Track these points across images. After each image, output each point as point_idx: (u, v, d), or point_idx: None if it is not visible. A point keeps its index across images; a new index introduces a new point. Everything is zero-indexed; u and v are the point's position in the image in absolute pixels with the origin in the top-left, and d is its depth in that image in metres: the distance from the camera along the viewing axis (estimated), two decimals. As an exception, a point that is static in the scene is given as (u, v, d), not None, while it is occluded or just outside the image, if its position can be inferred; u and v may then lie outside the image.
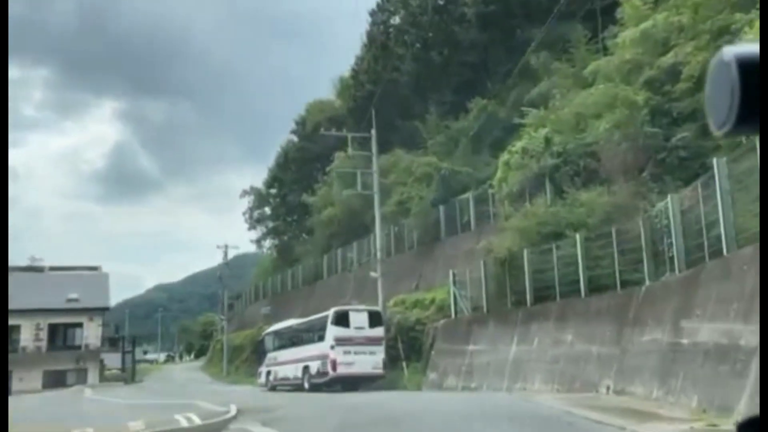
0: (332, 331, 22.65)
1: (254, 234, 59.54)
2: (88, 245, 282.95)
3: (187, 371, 59.50)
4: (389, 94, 37.00)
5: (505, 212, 20.72)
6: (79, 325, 46.27)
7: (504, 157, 22.33)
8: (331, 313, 23.08)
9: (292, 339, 27.03)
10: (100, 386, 41.43)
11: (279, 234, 60.39)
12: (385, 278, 26.29)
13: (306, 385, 23.98)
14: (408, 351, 24.05)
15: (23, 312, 44.22)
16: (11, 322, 43.63)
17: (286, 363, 26.44)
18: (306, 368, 24.10)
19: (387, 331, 24.24)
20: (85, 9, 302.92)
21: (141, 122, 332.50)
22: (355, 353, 22.57)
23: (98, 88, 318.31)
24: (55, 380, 44.20)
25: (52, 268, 52.99)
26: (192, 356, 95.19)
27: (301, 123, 56.89)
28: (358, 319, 22.98)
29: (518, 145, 21.25)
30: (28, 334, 44.58)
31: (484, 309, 20.67)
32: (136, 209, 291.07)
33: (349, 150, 33.82)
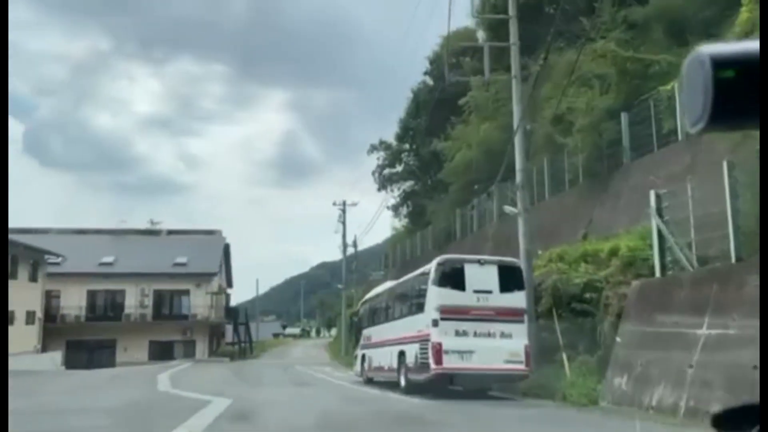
0: (435, 297, 13.51)
1: (388, 198, 51.74)
2: (264, 227, 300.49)
3: (312, 348, 53.80)
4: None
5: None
6: (186, 292, 41.40)
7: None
8: (433, 265, 13.85)
9: (387, 309, 18.20)
10: (197, 363, 35.88)
11: (411, 196, 52.15)
12: (534, 227, 16.53)
13: (402, 382, 15.08)
14: (570, 335, 14.19)
15: (128, 275, 40.16)
16: (118, 286, 39.70)
17: (380, 345, 17.75)
18: (402, 355, 15.19)
19: (534, 300, 14.63)
20: (256, 7, 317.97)
21: (307, 110, 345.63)
22: (476, 335, 13.27)
23: (268, 79, 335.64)
24: (161, 352, 39.78)
25: (170, 232, 49.16)
26: (331, 331, 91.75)
27: (435, 60, 47.67)
28: (481, 277, 13.55)
29: None
30: (132, 300, 40.45)
31: (732, 257, 10.30)
32: (304, 192, 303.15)
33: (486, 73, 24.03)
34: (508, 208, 16.74)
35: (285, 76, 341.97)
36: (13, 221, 45.61)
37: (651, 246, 13.10)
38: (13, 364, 29.00)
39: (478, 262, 13.87)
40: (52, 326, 38.47)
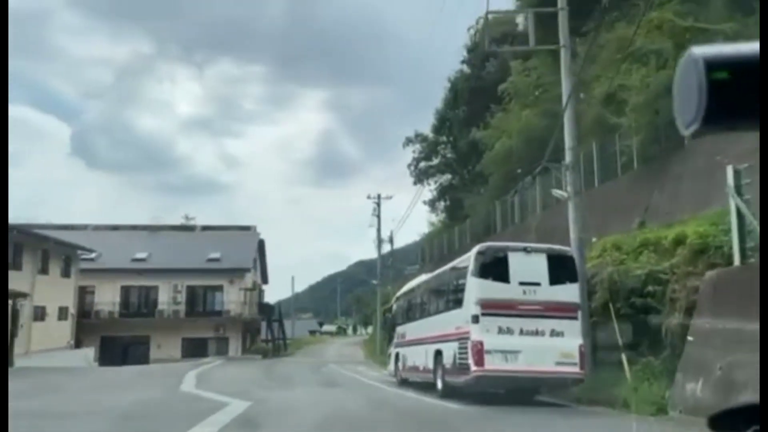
0: (475, 290, 11.99)
1: (426, 194, 50.32)
2: (302, 225, 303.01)
3: (347, 346, 52.68)
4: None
5: None
6: (219, 288, 40.68)
7: None
8: (473, 254, 12.33)
9: (422, 304, 16.73)
10: (229, 360, 35.06)
11: (448, 190, 50.60)
12: (583, 215, 14.82)
13: (438, 385, 13.63)
14: (632, 333, 12.54)
15: (160, 272, 39.65)
16: (151, 282, 39.25)
17: (415, 343, 16.32)
18: (438, 355, 13.73)
19: (588, 294, 13.02)
20: (293, 8, 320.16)
21: (344, 109, 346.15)
22: (523, 333, 11.72)
23: (305, 79, 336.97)
24: (194, 349, 39.16)
25: (205, 228, 48.67)
26: (368, 329, 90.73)
27: (473, 48, 45.93)
28: (527, 267, 11.98)
29: None
30: (165, 297, 39.93)
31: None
32: (342, 191, 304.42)
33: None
34: (557, 192, 15.08)
35: (322, 76, 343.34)
36: (62, 222, 45.86)
37: (726, 231, 11.36)
38: (43, 360, 28.60)
39: (524, 250, 12.28)
40: (87, 322, 38.21)
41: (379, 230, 39.38)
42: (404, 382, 17.76)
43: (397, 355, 18.69)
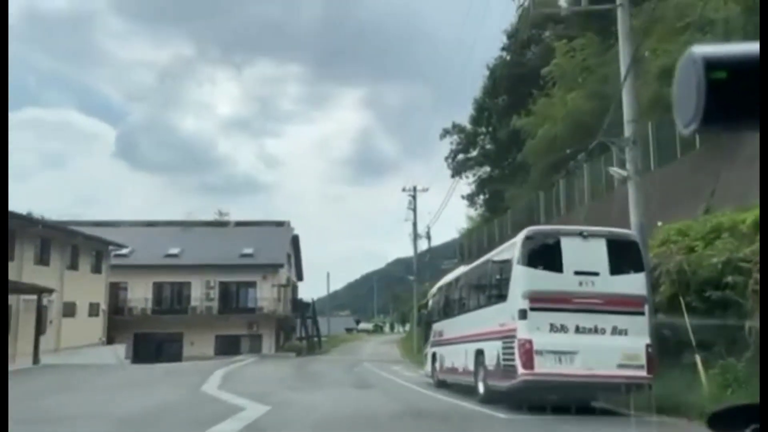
0: (523, 280, 10.42)
1: (464, 188, 48.64)
2: (341, 224, 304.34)
3: (384, 344, 51.30)
4: None
5: None
6: (252, 284, 39.77)
7: None
8: (519, 239, 10.74)
9: (461, 299, 15.18)
10: (262, 359, 34.09)
11: (487, 182, 48.75)
12: (645, 197, 13.06)
13: (480, 389, 12.11)
14: (704, 331, 10.78)
15: (193, 267, 38.96)
16: (183, 278, 38.62)
17: (454, 342, 14.81)
18: (480, 355, 12.20)
19: (653, 286, 11.33)
20: (329, 7, 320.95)
21: (381, 107, 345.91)
22: (580, 330, 10.12)
23: (342, 78, 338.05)
24: (227, 346, 38.37)
25: (238, 224, 47.95)
26: (405, 327, 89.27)
27: (513, 33, 43.97)
28: (584, 253, 10.34)
29: None
30: (198, 293, 39.21)
31: None
32: (380, 189, 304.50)
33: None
34: (615, 170, 13.33)
35: (358, 74, 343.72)
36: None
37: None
38: (72, 357, 28.02)
39: (580, 234, 10.61)
40: (119, 319, 37.77)
41: (414, 224, 38.00)
42: (442, 384, 16.26)
43: (433, 354, 17.19)
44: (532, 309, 10.13)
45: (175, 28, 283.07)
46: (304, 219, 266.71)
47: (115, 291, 38.88)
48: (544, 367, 9.96)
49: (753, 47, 0.79)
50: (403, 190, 38.88)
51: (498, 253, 12.32)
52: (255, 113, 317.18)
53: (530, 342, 10.00)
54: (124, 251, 40.06)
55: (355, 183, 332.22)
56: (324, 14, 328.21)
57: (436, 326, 17.14)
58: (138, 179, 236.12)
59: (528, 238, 10.59)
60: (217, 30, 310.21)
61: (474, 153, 51.16)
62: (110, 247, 34.94)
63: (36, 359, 24.19)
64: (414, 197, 38.34)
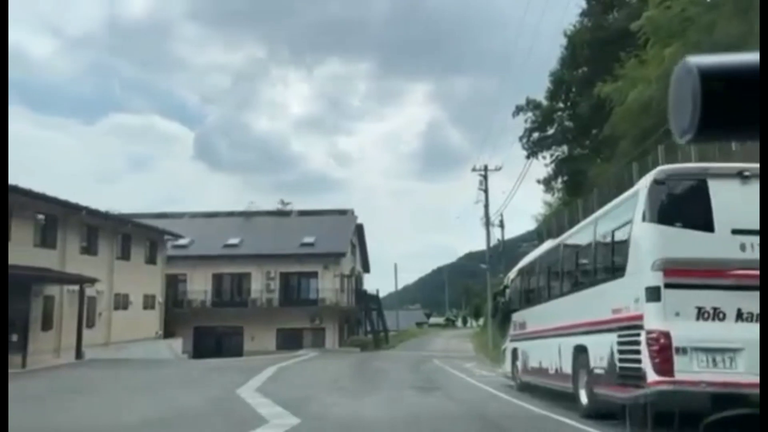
0: (652, 243, 7.09)
1: (538, 171, 44.61)
2: (411, 218, 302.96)
3: (455, 338, 48.06)
4: None
5: None
6: (314, 274, 37.45)
7: None
8: (645, 185, 7.38)
9: (551, 279, 11.86)
10: (323, 353, 31.70)
11: (567, 162, 44.48)
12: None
13: (583, 399, 8.87)
14: None
15: (252, 257, 37.09)
16: (243, 269, 36.84)
17: (541, 335, 11.60)
18: (581, 353, 8.96)
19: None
20: (396, 2, 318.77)
21: (450, 100, 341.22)
22: (743, 318, 6.69)
23: (410, 73, 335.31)
24: (289, 340, 36.30)
25: (301, 213, 45.92)
26: (479, 321, 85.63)
27: (593, -3, 39.68)
28: (744, 203, 6.82)
29: None
30: (258, 284, 37.27)
31: None
32: (451, 182, 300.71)
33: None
34: None
35: (427, 68, 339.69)
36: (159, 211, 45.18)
37: None
38: (122, 351, 26.44)
39: (740, 175, 7.14)
40: (179, 312, 36.38)
41: (486, 205, 34.45)
42: (525, 388, 13.07)
43: (514, 351, 13.99)
44: (669, 286, 6.84)
45: (247, 32, 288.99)
46: (374, 214, 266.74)
47: (174, 283, 37.54)
48: (689, 372, 6.67)
49: (748, 57, 0.79)
50: (473, 169, 35.55)
51: (609, 211, 8.96)
52: (326, 111, 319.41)
53: (666, 335, 6.71)
54: (182, 242, 38.70)
55: (425, 177, 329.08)
56: (391, 10, 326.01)
57: (517, 316, 13.91)
58: (216, 179, 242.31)
59: (658, 182, 7.23)
60: (288, 31, 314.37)
61: (551, 131, 46.98)
62: (166, 237, 33.42)
63: (79, 354, 22.58)
64: (485, 177, 34.93)
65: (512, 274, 15.18)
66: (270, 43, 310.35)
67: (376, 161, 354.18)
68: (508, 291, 15.25)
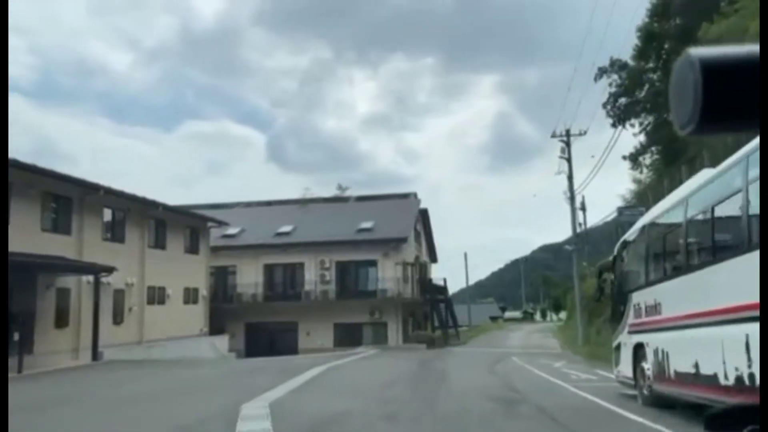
0: None
1: (624, 147, 38.93)
2: (482, 212, 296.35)
3: (535, 333, 43.05)
4: None
5: None
6: (372, 263, 33.59)
7: None
8: None
9: (702, 239, 7.34)
10: (384, 351, 27.85)
11: (662, 128, 38.64)
12: None
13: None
14: None
15: (305, 245, 33.70)
16: (295, 258, 33.51)
17: (683, 324, 7.14)
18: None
19: None
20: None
21: (518, 90, 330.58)
22: None
23: (476, 66, 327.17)
24: (347, 336, 32.75)
25: (359, 198, 42.24)
26: (559, 314, 79.68)
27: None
28: None
29: None
30: (312, 275, 33.77)
31: None
32: (519, 175, 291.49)
33: None
34: None
35: (493, 60, 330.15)
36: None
37: None
38: (157, 351, 23.41)
39: None
40: (228, 307, 33.45)
41: (570, 176, 29.16)
42: (659, 402, 8.63)
43: (638, 348, 9.54)
44: None
45: (312, 34, 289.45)
46: (443, 210, 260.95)
47: (223, 275, 34.65)
48: None
49: (750, 49, 0.79)
50: (553, 135, 30.52)
51: None
52: (392, 109, 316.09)
53: None
54: (231, 231, 35.76)
55: (495, 170, 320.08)
56: (454, 2, 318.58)
57: (643, 296, 9.41)
58: (288, 180, 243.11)
59: None
60: (352, 31, 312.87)
61: (641, 94, 41.19)
62: (209, 225, 30.41)
63: (95, 354, 19.57)
64: (567, 143, 29.82)
65: (631, 235, 10.58)
66: (335, 44, 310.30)
67: (443, 156, 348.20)
68: (622, 262, 10.73)
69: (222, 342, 28.89)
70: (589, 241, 42.22)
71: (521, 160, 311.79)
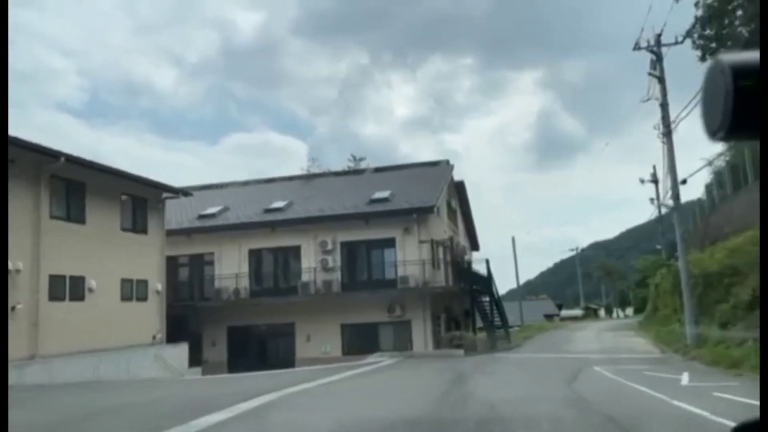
0: None
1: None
2: (527, 212, 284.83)
3: (608, 331, 33.90)
4: None
5: None
6: (389, 242, 25.22)
7: None
8: None
9: None
10: (406, 359, 19.66)
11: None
12: None
13: None
14: None
15: (302, 222, 25.80)
16: (289, 240, 25.53)
17: None
18: None
19: None
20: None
21: (561, 86, 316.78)
22: None
23: (516, 63, 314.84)
24: (360, 340, 24.77)
25: (377, 170, 34.02)
26: (626, 310, 69.73)
27: None
28: None
29: None
30: (311, 261, 25.62)
31: None
32: (564, 172, 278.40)
33: None
34: None
35: (533, 56, 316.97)
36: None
37: None
38: (52, 372, 15.78)
39: None
40: (205, 306, 25.69)
41: (664, 91, 19.67)
42: None
43: None
44: None
45: (349, 41, 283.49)
46: (488, 210, 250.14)
47: (199, 266, 26.93)
48: None
49: None
50: (636, 47, 21.36)
51: None
52: (431, 111, 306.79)
53: None
54: (211, 210, 28.05)
55: (539, 168, 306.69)
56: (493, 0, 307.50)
57: None
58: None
59: None
60: (388, 35, 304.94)
61: (725, 31, 31.82)
62: (165, 196, 22.66)
63: None
64: (658, 55, 20.54)
65: None
66: (372, 49, 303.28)
67: (484, 156, 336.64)
68: None
69: (178, 354, 20.96)
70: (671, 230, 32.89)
71: (565, 156, 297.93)
